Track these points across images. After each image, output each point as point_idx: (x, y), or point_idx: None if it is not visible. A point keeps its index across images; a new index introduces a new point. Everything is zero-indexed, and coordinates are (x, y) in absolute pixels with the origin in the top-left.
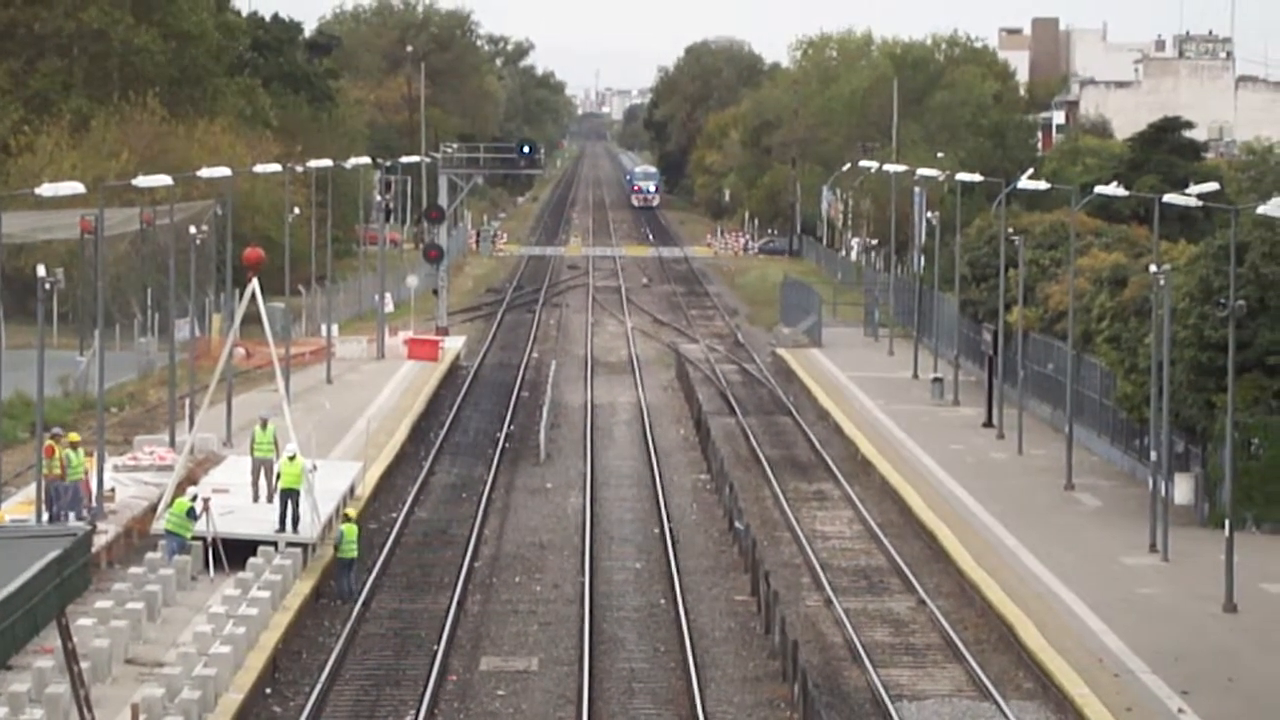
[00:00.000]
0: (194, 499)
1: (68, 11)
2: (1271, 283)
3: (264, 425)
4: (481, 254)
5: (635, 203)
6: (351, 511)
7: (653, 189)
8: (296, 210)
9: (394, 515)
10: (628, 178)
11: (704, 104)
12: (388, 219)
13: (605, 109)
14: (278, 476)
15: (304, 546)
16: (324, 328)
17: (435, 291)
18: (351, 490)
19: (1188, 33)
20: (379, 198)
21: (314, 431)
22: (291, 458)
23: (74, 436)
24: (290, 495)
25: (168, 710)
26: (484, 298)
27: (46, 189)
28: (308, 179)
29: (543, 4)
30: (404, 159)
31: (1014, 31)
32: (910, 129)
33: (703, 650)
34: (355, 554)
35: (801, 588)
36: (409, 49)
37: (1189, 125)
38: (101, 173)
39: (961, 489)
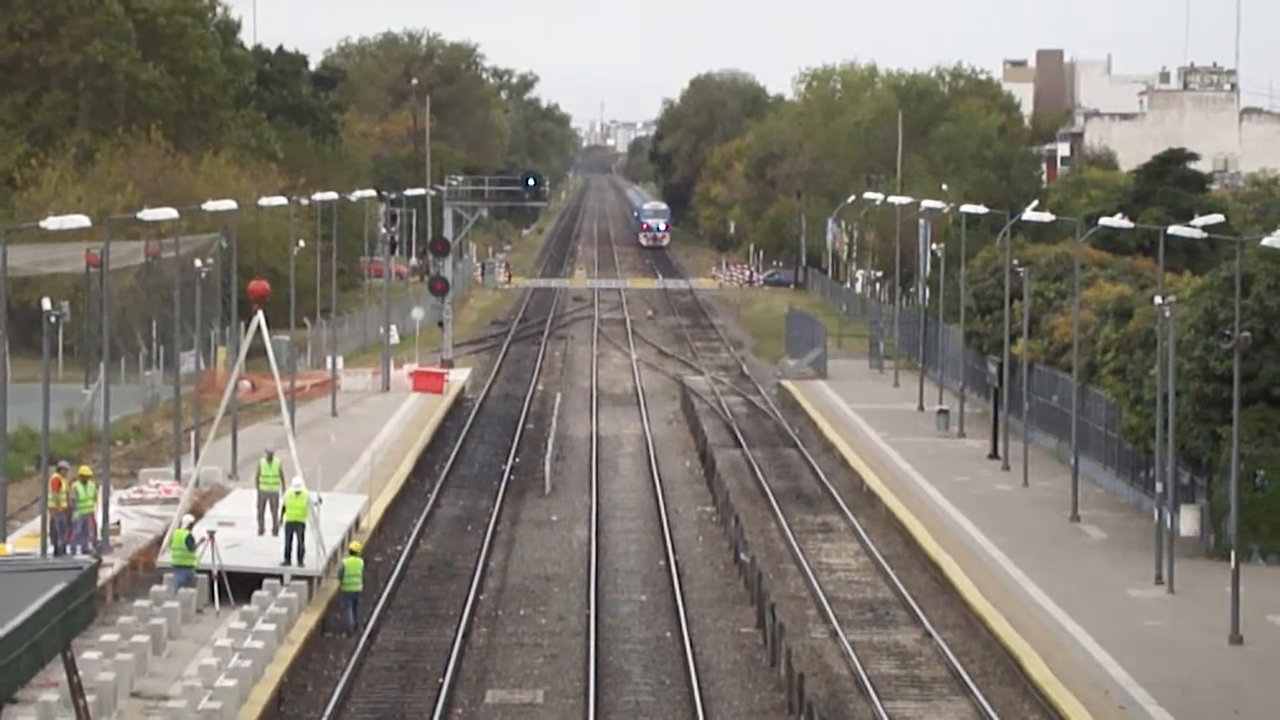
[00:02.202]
0: (190, 527)
1: (73, 45)
2: (1276, 314)
3: (269, 458)
4: (486, 286)
5: (644, 241)
6: (356, 545)
7: (662, 227)
8: (301, 243)
9: (399, 548)
10: (635, 214)
11: (709, 136)
12: (393, 251)
13: (610, 141)
14: (283, 509)
15: (309, 579)
16: (329, 360)
17: (440, 324)
18: (357, 523)
19: (1192, 65)
20: (384, 230)
21: (319, 464)
22: (297, 491)
23: (85, 470)
24: (296, 528)
25: None
26: (489, 330)
27: (51, 222)
28: (313, 212)
29: (548, 37)
30: (409, 191)
31: (1018, 64)
32: (915, 161)
33: (709, 683)
34: (359, 587)
35: (807, 620)
36: (414, 82)
37: (1194, 157)
38: (106, 206)
39: (967, 521)
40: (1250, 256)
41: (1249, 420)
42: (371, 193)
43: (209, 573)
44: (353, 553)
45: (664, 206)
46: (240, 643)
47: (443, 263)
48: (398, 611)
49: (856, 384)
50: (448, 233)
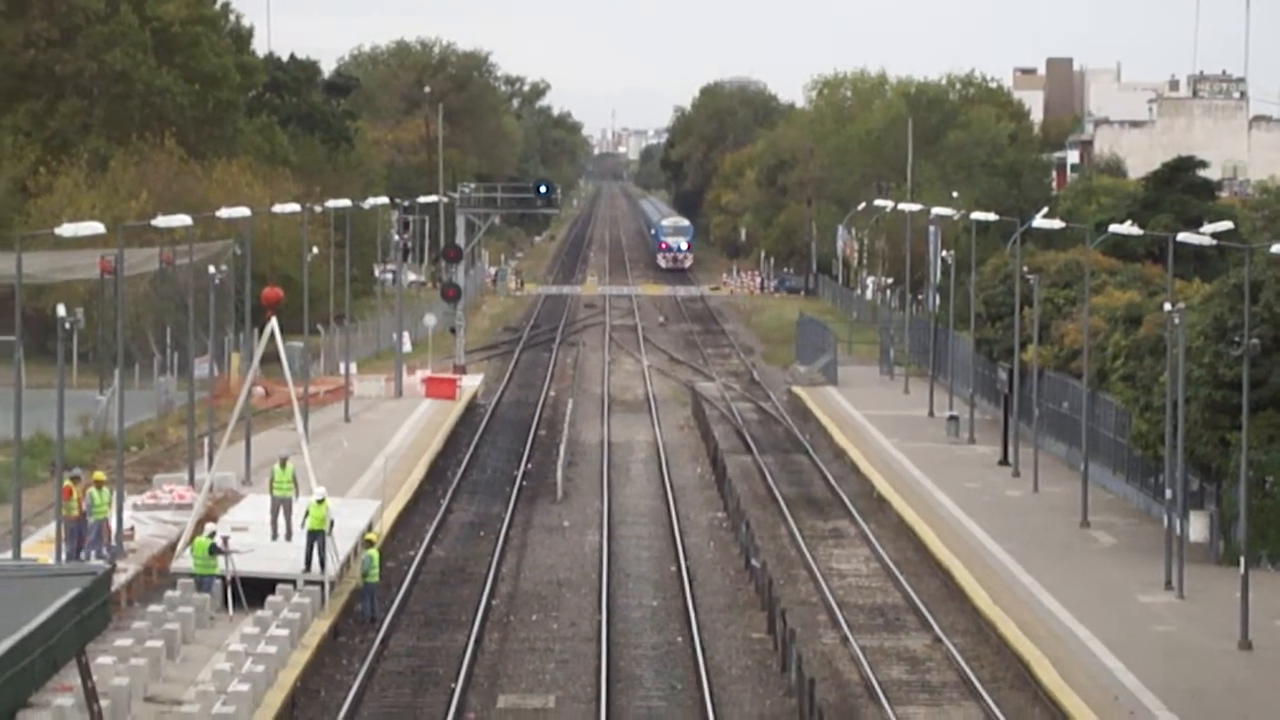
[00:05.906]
0: (211, 535)
1: (89, 53)
2: None
3: (283, 464)
4: (498, 293)
5: (662, 264)
6: (374, 536)
7: (684, 246)
8: (315, 250)
9: (412, 553)
10: (653, 231)
11: (720, 144)
12: (405, 258)
13: (622, 149)
14: (305, 515)
15: (322, 584)
16: (342, 366)
17: (453, 330)
18: (369, 529)
19: (1201, 72)
20: (397, 237)
21: (333, 470)
22: (320, 500)
23: (99, 475)
24: (317, 536)
25: None
26: (501, 336)
27: (66, 229)
28: (326, 219)
29: (560, 45)
30: (422, 199)
31: (1028, 71)
32: (925, 168)
33: (719, 688)
34: (377, 578)
35: (818, 625)
36: (427, 90)
37: (1203, 164)
38: (120, 213)
39: (977, 526)
40: (1259, 263)
41: (1258, 426)
42: (385, 200)
43: (223, 578)
44: (369, 543)
45: (685, 223)
46: (254, 647)
47: (455, 269)
48: (410, 616)
49: (867, 390)
50: (460, 240)
